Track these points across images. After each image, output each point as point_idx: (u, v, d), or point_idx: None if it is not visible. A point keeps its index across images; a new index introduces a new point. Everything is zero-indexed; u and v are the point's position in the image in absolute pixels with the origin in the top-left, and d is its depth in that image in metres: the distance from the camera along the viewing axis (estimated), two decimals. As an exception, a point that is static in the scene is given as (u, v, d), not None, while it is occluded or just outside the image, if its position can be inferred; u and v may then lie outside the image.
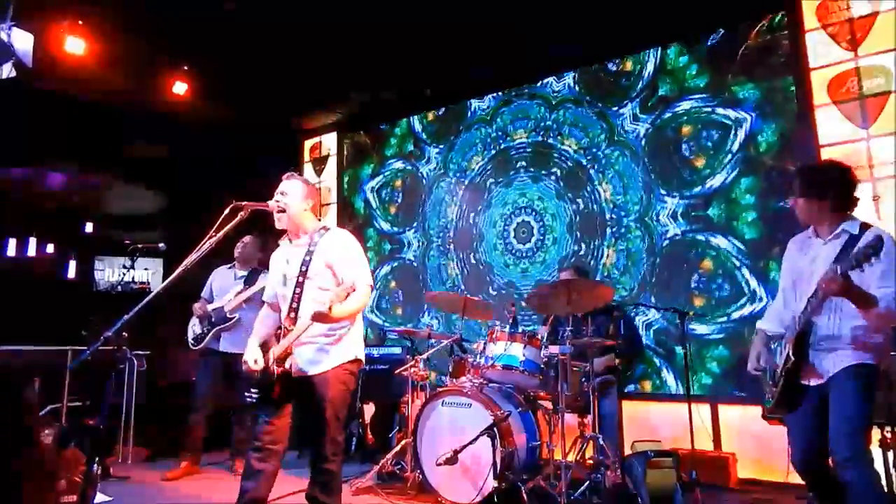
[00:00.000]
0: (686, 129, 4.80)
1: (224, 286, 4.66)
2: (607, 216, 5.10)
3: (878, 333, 2.40)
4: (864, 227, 2.50)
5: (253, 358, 2.78)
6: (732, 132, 4.59)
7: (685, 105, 4.82)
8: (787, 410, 2.60)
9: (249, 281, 4.59)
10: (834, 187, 2.54)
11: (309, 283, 2.78)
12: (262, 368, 2.75)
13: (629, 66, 5.14)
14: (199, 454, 4.55)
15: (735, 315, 4.41)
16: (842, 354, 2.43)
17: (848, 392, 2.37)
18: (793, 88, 4.37)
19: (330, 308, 2.56)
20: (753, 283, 4.35)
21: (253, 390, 2.73)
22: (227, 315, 4.51)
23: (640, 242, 4.90)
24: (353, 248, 2.89)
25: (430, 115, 6.35)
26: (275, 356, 2.73)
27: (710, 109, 4.70)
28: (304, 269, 2.79)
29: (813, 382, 2.51)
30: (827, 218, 2.56)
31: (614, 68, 5.22)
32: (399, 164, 6.56)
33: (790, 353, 2.50)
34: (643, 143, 4.97)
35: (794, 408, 2.56)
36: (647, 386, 4.72)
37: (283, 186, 2.90)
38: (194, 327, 4.62)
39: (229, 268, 4.76)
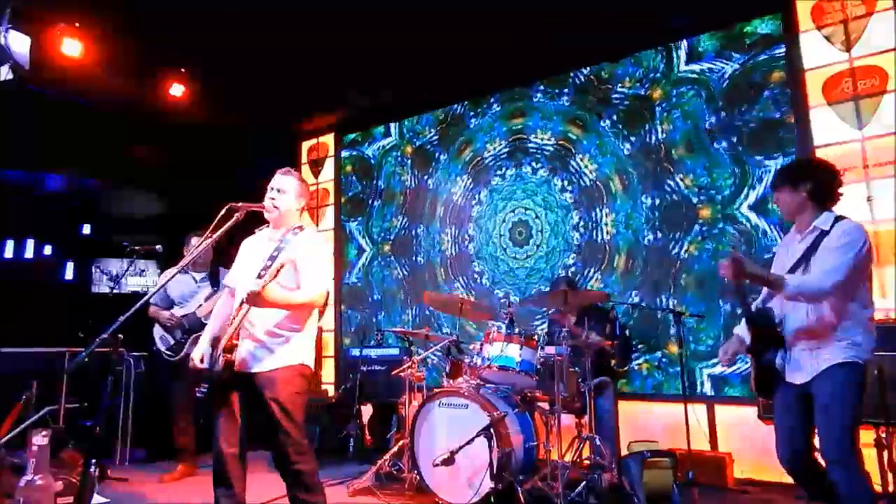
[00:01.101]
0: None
1: (186, 292, 4.54)
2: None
3: (857, 328, 2.41)
4: (839, 219, 2.51)
5: (199, 355, 2.74)
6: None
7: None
8: (765, 395, 2.67)
9: (215, 282, 4.49)
10: (809, 180, 2.56)
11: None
12: (211, 363, 2.69)
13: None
14: (194, 457, 4.54)
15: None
16: (822, 354, 2.43)
17: (834, 393, 2.37)
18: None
19: (263, 287, 2.50)
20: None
21: (204, 385, 2.68)
22: (203, 320, 4.33)
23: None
24: (316, 250, 2.85)
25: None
26: (221, 345, 2.65)
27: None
28: (268, 263, 2.74)
29: (797, 381, 2.51)
30: (804, 212, 2.59)
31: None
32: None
33: (750, 344, 2.62)
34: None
35: (769, 392, 2.61)
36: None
37: (279, 182, 2.88)
38: (165, 337, 4.49)
39: (184, 272, 4.54)
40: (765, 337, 2.59)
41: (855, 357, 2.38)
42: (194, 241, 4.48)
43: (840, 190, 2.59)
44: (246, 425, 2.75)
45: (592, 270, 5.12)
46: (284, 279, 2.73)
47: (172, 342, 4.47)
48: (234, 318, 2.69)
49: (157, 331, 4.54)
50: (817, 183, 2.56)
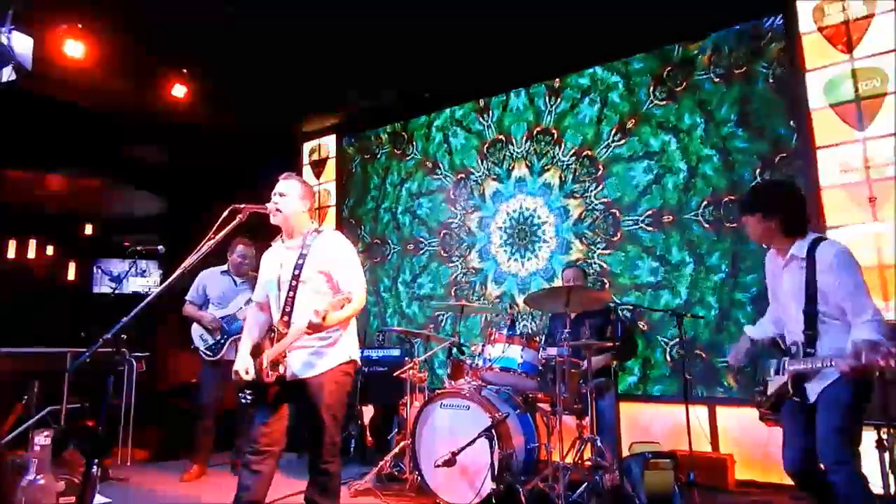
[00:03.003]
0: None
1: (226, 294, 4.58)
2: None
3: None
4: (816, 244, 2.51)
5: (244, 368, 2.76)
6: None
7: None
8: (774, 412, 2.69)
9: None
10: (780, 211, 2.56)
11: (302, 287, 2.77)
12: (254, 377, 2.73)
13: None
14: (209, 456, 4.55)
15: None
16: (826, 375, 2.46)
17: (834, 401, 2.42)
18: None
19: (324, 318, 2.55)
20: None
21: (248, 391, 2.72)
22: (243, 324, 4.39)
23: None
24: (347, 252, 2.88)
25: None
26: (268, 360, 2.71)
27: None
28: (297, 272, 2.77)
29: (812, 399, 2.54)
30: (772, 240, 2.62)
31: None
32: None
33: (789, 386, 2.57)
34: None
35: (779, 410, 2.65)
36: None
37: (281, 187, 2.89)
38: (204, 336, 4.52)
39: (223, 273, 4.64)
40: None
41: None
42: (239, 248, 4.57)
43: (801, 217, 2.59)
44: (291, 429, 2.82)
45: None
46: (317, 284, 2.78)
47: (212, 342, 4.50)
48: (280, 334, 2.73)
49: (196, 329, 4.57)
50: (788, 214, 2.57)
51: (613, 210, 5.07)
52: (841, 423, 2.39)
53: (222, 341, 4.47)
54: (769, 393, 2.68)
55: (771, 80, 4.48)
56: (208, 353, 4.50)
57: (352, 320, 2.91)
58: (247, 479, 2.73)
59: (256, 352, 2.81)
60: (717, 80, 4.71)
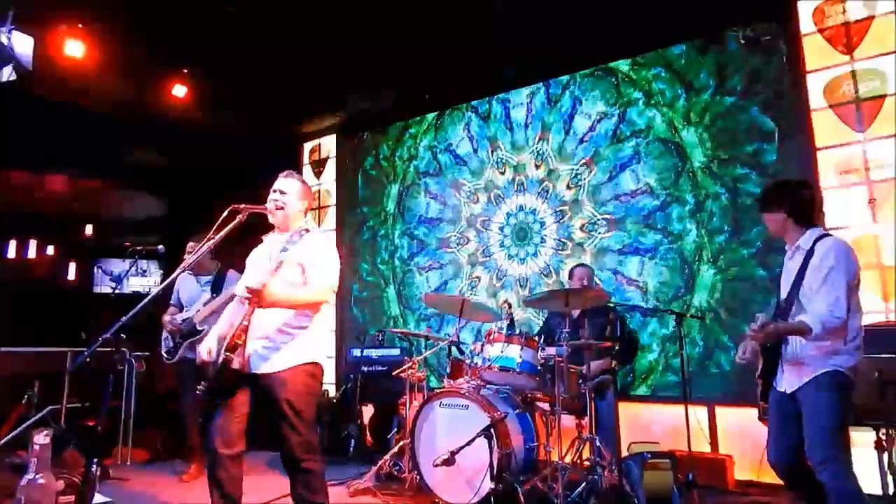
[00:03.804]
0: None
1: (192, 295, 4.55)
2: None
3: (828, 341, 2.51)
4: (821, 238, 2.63)
5: (207, 348, 2.74)
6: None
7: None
8: (763, 399, 2.80)
9: (216, 288, 4.48)
10: (785, 202, 2.72)
11: (276, 276, 2.70)
12: (216, 359, 2.67)
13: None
14: (203, 457, 4.54)
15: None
16: (807, 368, 2.56)
17: (818, 401, 2.50)
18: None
19: (264, 286, 2.51)
20: None
21: (203, 383, 2.65)
22: (197, 326, 4.36)
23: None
24: (326, 251, 2.86)
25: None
26: (226, 342, 2.63)
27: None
28: (275, 264, 2.74)
29: (787, 390, 2.64)
30: (787, 232, 2.74)
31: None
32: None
33: (760, 371, 2.76)
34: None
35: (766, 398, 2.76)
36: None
37: (282, 185, 2.89)
38: (167, 340, 4.53)
39: (191, 273, 4.58)
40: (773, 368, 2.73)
41: (835, 366, 2.51)
42: (190, 245, 4.45)
43: (819, 206, 2.75)
44: (247, 426, 2.73)
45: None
46: (291, 278, 2.74)
47: (171, 344, 4.50)
48: (241, 318, 2.68)
49: (163, 333, 4.58)
50: (794, 204, 2.71)
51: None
52: (826, 422, 2.47)
53: (178, 344, 4.44)
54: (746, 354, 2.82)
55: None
56: (167, 355, 4.50)
57: (318, 325, 2.84)
58: (215, 494, 2.67)
59: (222, 341, 2.73)
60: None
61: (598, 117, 5.26)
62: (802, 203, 2.73)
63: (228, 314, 2.95)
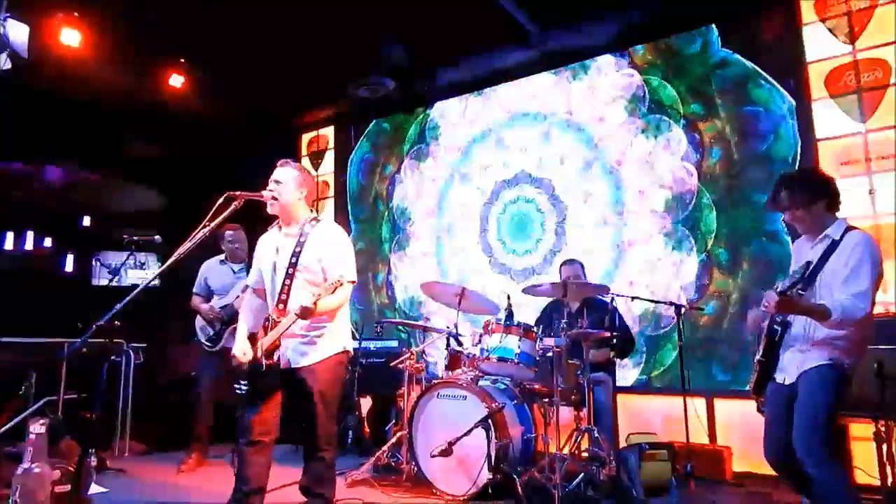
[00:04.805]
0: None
1: (225, 283, 4.57)
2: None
3: (842, 331, 2.46)
4: (849, 230, 2.58)
5: (241, 351, 2.78)
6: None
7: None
8: (758, 395, 2.76)
9: None
10: (825, 195, 2.62)
11: (299, 276, 2.77)
12: (251, 360, 2.75)
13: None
14: (207, 446, 4.55)
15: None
16: (810, 356, 2.53)
17: (811, 392, 2.48)
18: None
19: (315, 304, 2.57)
20: None
21: (243, 382, 2.73)
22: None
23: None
24: (342, 243, 2.89)
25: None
26: (263, 349, 2.72)
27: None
28: (293, 260, 2.77)
29: (787, 381, 2.61)
30: (816, 222, 2.64)
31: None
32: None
33: (761, 353, 2.68)
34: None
35: (761, 393, 2.72)
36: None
37: (278, 174, 2.89)
38: (205, 328, 4.53)
39: (222, 262, 4.65)
40: (775, 352, 2.67)
41: (836, 358, 2.48)
42: (228, 233, 4.56)
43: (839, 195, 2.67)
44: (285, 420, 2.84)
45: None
46: (312, 274, 2.78)
47: (212, 333, 4.50)
48: (274, 322, 2.74)
49: (199, 321, 4.58)
50: (829, 194, 2.63)
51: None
52: (818, 416, 2.45)
53: (221, 331, 4.47)
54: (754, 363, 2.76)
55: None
56: (209, 344, 4.50)
57: (344, 312, 2.91)
58: (244, 470, 2.74)
59: (252, 339, 2.81)
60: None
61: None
62: (834, 189, 2.65)
63: (246, 310, 2.98)
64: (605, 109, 5.19)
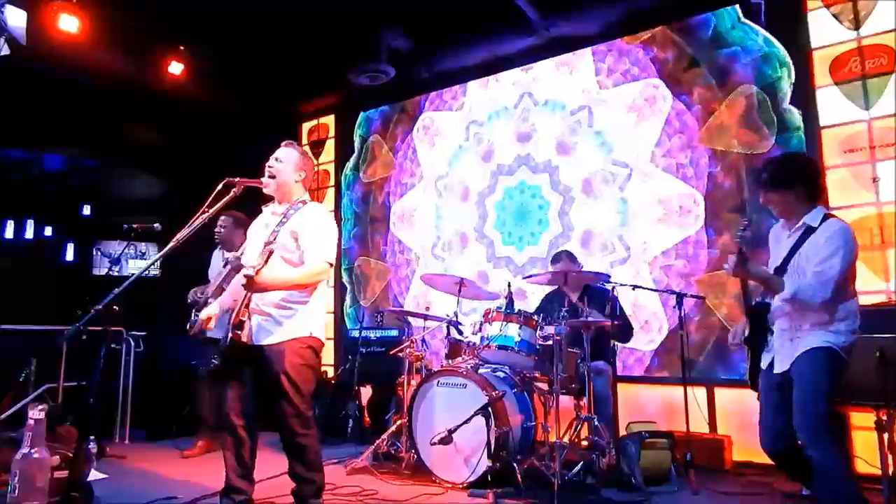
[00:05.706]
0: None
1: (216, 270, 4.57)
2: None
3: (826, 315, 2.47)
4: (828, 217, 2.56)
5: (207, 315, 2.78)
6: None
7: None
8: (752, 385, 2.76)
9: None
10: (801, 181, 2.60)
11: (276, 253, 2.72)
12: (225, 335, 2.73)
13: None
14: (213, 431, 4.51)
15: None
16: (800, 343, 2.52)
17: (806, 377, 2.46)
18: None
19: (257, 272, 2.53)
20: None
21: (215, 357, 2.73)
22: (210, 299, 4.26)
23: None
24: (323, 225, 2.84)
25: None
26: (231, 322, 2.69)
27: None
28: (272, 238, 2.75)
29: (778, 368, 2.60)
30: (795, 209, 2.62)
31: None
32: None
33: (745, 331, 2.73)
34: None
35: (755, 381, 2.72)
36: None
37: (279, 153, 2.89)
38: (193, 313, 4.52)
39: (219, 250, 4.64)
40: (763, 329, 2.69)
41: (830, 343, 2.46)
42: (221, 219, 4.51)
43: (825, 185, 2.77)
44: (255, 399, 2.80)
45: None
46: (287, 252, 2.75)
47: (193, 319, 4.48)
48: (247, 297, 2.72)
49: (193, 310, 4.53)
50: (810, 182, 2.61)
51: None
52: (816, 401, 2.43)
53: (196, 315, 4.43)
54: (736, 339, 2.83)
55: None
56: (188, 328, 4.48)
57: (317, 298, 2.86)
58: (230, 457, 2.75)
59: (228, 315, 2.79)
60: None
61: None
62: (815, 179, 2.64)
63: (235, 285, 2.95)
64: (607, 95, 5.15)
